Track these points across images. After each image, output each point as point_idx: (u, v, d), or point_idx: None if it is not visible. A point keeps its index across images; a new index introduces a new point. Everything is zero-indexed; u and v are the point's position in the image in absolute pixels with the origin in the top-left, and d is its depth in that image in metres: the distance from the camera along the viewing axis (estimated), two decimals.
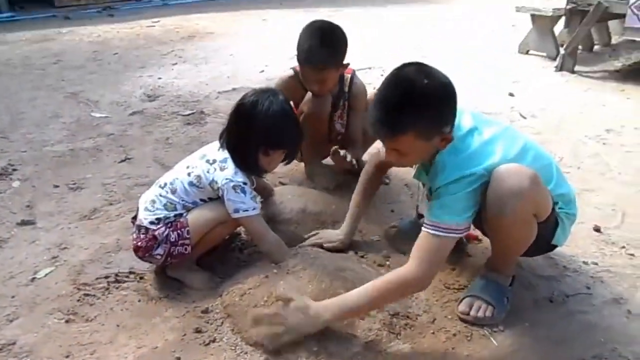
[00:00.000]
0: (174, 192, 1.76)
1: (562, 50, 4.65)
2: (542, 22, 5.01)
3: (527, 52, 5.28)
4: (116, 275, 1.92)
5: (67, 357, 1.55)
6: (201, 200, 1.78)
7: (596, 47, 5.50)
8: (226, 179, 1.70)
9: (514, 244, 1.63)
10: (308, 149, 2.39)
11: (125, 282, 1.89)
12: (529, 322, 1.68)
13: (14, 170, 2.81)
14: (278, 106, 1.74)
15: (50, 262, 2.03)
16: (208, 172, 1.73)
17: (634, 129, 3.32)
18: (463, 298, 1.72)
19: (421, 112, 1.43)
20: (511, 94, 4.04)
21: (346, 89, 2.34)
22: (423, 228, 1.54)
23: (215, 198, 1.77)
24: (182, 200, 1.76)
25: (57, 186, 2.64)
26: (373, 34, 6.22)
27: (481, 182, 1.50)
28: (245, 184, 1.72)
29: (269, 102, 1.72)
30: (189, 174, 1.77)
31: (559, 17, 4.86)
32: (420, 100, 1.42)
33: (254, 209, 1.74)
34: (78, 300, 1.80)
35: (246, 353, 1.52)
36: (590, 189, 2.58)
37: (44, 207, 2.45)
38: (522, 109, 3.72)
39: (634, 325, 1.68)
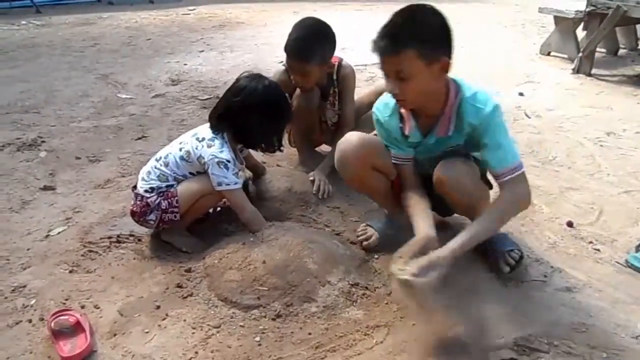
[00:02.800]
0: (166, 165, 1.99)
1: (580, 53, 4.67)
2: (564, 24, 5.03)
3: (548, 54, 5.30)
4: (118, 236, 2.16)
5: (67, 299, 1.80)
6: (190, 173, 2.00)
7: (622, 51, 5.47)
8: (212, 155, 1.92)
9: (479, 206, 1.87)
10: (300, 139, 2.57)
11: (125, 242, 2.13)
12: (477, 302, 1.82)
13: (43, 142, 3.11)
14: (269, 86, 1.97)
15: (63, 223, 2.30)
16: (196, 148, 1.95)
17: (635, 133, 3.36)
18: (502, 257, 1.94)
19: (423, 29, 1.56)
20: (521, 94, 4.11)
21: (335, 77, 2.50)
22: (502, 180, 1.70)
23: (203, 172, 1.98)
24: (174, 173, 1.99)
25: (78, 158, 2.92)
26: None
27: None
28: (228, 161, 1.93)
29: (260, 84, 1.96)
30: (180, 149, 1.99)
31: (581, 19, 4.87)
32: (422, 18, 1.58)
33: (235, 183, 1.95)
34: (82, 255, 2.05)
35: (216, 306, 1.73)
36: (575, 187, 2.67)
37: (64, 176, 2.73)
38: (529, 108, 3.79)
39: (577, 313, 1.79)
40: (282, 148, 2.17)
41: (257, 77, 2.02)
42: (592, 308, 1.80)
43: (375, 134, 1.97)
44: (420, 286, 1.47)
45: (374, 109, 1.90)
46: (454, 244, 1.59)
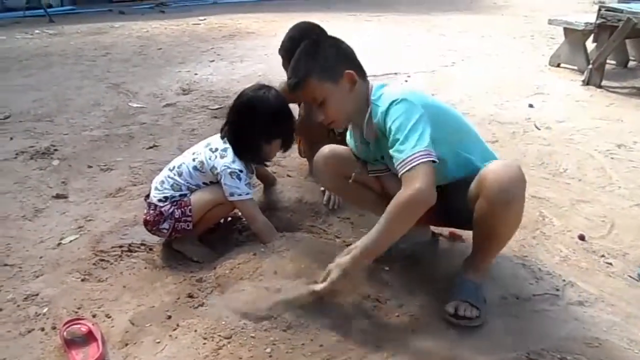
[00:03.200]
0: (180, 174, 2.01)
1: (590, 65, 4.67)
2: (574, 36, 5.03)
3: (558, 65, 5.30)
4: (129, 245, 2.17)
5: (79, 308, 1.81)
6: (203, 183, 2.02)
7: (632, 63, 5.45)
8: (224, 165, 1.93)
9: (507, 231, 1.73)
10: (309, 149, 2.58)
11: (136, 251, 2.14)
12: (489, 314, 1.81)
13: (55, 150, 3.14)
14: (274, 100, 1.96)
15: (75, 231, 2.32)
16: (210, 158, 1.97)
17: None
18: (448, 303, 1.78)
19: (317, 57, 1.72)
20: (531, 105, 4.10)
21: None
22: (400, 173, 1.58)
23: (216, 182, 2.00)
24: (187, 182, 2.00)
25: (90, 166, 2.95)
26: (405, 40, 6.35)
27: (421, 113, 1.60)
28: (241, 171, 1.95)
29: (265, 97, 1.94)
30: (193, 159, 2.01)
31: (591, 31, 4.86)
32: (315, 49, 1.74)
33: (247, 194, 1.96)
34: (94, 264, 2.06)
35: (227, 317, 1.73)
36: (586, 200, 2.65)
37: (76, 184, 2.75)
38: (538, 120, 3.79)
39: (589, 328, 1.77)
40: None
41: (258, 88, 2.04)
42: (605, 323, 1.78)
43: None
44: (322, 292, 1.67)
45: None
46: (356, 251, 1.65)
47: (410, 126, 1.59)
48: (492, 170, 1.63)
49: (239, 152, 2.00)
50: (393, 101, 1.64)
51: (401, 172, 1.57)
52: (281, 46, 2.39)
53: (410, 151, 1.55)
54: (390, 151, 1.62)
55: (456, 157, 1.77)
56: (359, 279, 1.84)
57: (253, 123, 1.97)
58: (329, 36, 1.80)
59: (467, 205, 1.74)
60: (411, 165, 1.55)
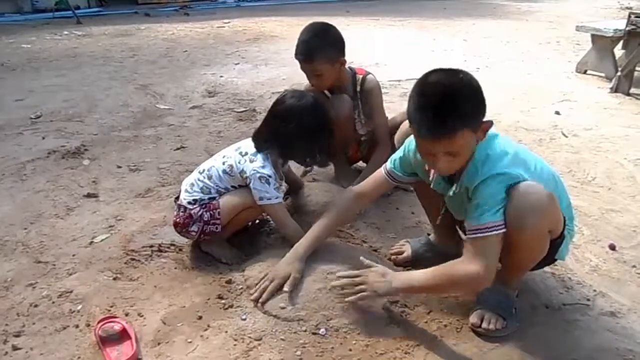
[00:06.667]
0: (209, 178, 2.03)
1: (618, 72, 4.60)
2: (602, 43, 4.96)
3: (585, 72, 5.23)
4: (159, 245, 2.21)
5: (112, 306, 1.84)
6: (232, 186, 2.04)
7: None
8: (254, 170, 1.95)
9: (526, 259, 1.71)
10: (336, 152, 2.58)
11: (166, 252, 2.17)
12: (519, 323, 1.80)
13: (86, 150, 3.20)
14: (313, 103, 2.04)
15: (106, 230, 2.36)
16: (239, 162, 1.99)
17: None
18: (474, 310, 1.78)
19: (469, 104, 1.50)
20: (557, 112, 4.06)
21: (359, 89, 2.52)
22: (467, 237, 1.61)
23: (245, 186, 2.02)
24: (216, 186, 2.02)
25: (119, 167, 3.00)
26: (429, 45, 6.33)
27: (510, 183, 1.55)
28: (270, 176, 1.96)
29: (309, 106, 2.02)
30: (223, 163, 2.03)
31: (620, 38, 4.80)
32: (467, 93, 1.50)
33: (276, 197, 1.97)
34: (125, 263, 2.10)
35: (257, 319, 1.75)
36: (616, 209, 2.62)
37: (107, 184, 2.80)
38: (566, 127, 3.74)
39: (622, 339, 1.75)
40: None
41: (300, 95, 2.06)
42: (638, 334, 1.76)
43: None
44: (348, 300, 1.73)
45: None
46: (397, 283, 1.69)
47: (496, 200, 1.56)
48: (514, 194, 1.55)
49: (291, 158, 2.13)
50: (493, 175, 1.56)
51: (470, 236, 1.58)
52: (297, 50, 2.39)
53: (486, 219, 1.55)
54: (469, 210, 1.61)
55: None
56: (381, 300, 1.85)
57: (304, 131, 2.00)
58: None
59: None
60: (482, 235, 1.55)
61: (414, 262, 2.08)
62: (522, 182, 1.56)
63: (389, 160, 1.92)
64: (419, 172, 1.85)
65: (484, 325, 1.73)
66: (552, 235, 1.66)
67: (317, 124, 2.01)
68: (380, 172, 1.94)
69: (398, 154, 1.90)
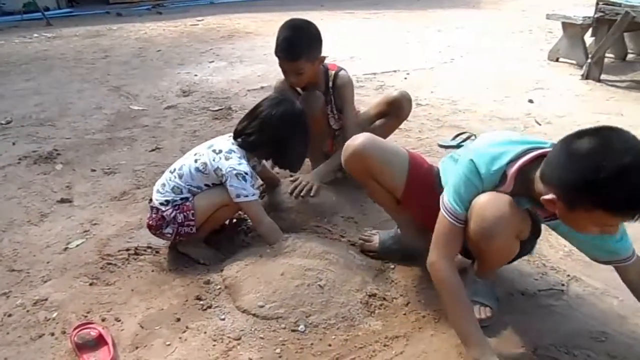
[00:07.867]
0: (180, 177, 2.01)
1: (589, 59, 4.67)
2: (572, 30, 5.03)
3: (557, 60, 5.30)
4: (136, 248, 2.18)
5: (89, 312, 1.82)
6: (205, 185, 2.03)
7: (630, 56, 5.45)
8: (230, 167, 1.94)
9: (497, 261, 1.76)
10: (311, 148, 2.57)
11: (143, 255, 2.15)
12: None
13: (58, 154, 3.15)
14: (299, 109, 2.13)
15: (81, 235, 2.33)
16: (214, 160, 1.98)
17: None
18: None
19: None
20: (530, 101, 4.11)
21: (331, 84, 2.51)
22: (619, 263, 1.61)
23: (218, 184, 2.01)
24: (188, 185, 2.01)
25: (94, 170, 2.96)
26: (404, 37, 6.35)
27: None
28: (247, 173, 1.96)
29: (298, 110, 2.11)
30: (195, 161, 2.02)
31: (589, 25, 4.86)
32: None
33: (253, 194, 1.97)
34: (101, 268, 2.07)
35: (236, 318, 1.74)
36: None
37: (81, 188, 2.76)
38: (539, 115, 3.79)
39: (596, 322, 1.78)
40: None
41: (281, 101, 2.10)
42: (611, 317, 1.80)
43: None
44: None
45: (473, 155, 1.56)
46: None
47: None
48: (479, 204, 1.54)
49: (282, 164, 2.21)
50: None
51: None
52: (280, 48, 2.36)
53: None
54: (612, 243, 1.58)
55: None
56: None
57: (295, 137, 2.08)
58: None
59: None
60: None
61: (380, 253, 2.10)
62: (481, 195, 1.54)
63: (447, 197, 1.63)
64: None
65: (475, 315, 1.72)
66: (519, 238, 1.64)
67: (302, 126, 2.08)
68: (446, 222, 1.61)
69: (458, 184, 1.60)
